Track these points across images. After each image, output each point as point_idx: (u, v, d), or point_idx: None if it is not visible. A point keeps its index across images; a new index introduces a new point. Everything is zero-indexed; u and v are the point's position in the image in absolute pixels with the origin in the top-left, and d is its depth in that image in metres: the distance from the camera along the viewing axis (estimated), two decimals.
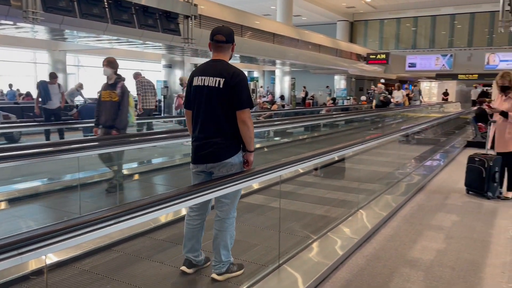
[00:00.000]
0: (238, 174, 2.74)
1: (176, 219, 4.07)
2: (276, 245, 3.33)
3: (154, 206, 2.02)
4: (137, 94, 9.28)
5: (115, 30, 8.64)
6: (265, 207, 4.81)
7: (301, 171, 6.37)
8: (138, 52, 17.15)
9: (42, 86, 8.97)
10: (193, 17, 9.68)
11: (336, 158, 6.75)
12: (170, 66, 15.87)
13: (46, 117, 9.03)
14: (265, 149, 9.61)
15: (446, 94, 28.98)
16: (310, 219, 4.45)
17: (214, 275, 2.91)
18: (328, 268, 3.10)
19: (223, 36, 2.88)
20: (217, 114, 2.79)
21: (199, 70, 2.90)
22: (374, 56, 26.07)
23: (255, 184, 5.10)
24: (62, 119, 9.54)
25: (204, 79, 2.82)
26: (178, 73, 15.60)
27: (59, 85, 9.34)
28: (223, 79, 2.76)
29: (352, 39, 29.82)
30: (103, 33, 8.55)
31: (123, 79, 5.29)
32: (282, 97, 21.00)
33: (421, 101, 17.19)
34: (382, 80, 27.61)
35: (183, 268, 3.00)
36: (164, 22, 9.27)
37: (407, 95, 16.70)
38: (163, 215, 3.58)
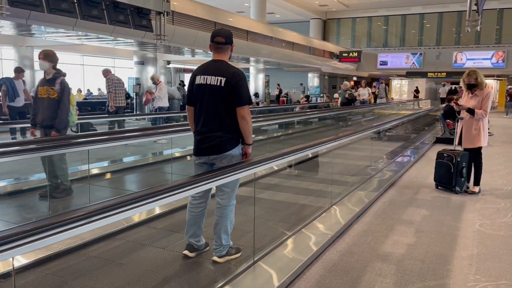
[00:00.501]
0: (238, 164, 2.93)
1: (171, 210, 4.27)
2: (250, 243, 3.34)
3: (162, 194, 2.18)
4: (109, 92, 9.12)
5: (84, 26, 8.43)
6: (238, 204, 4.80)
7: (276, 168, 6.40)
8: (109, 49, 16.80)
9: (9, 83, 8.65)
10: (165, 13, 9.55)
11: (310, 155, 6.82)
12: (142, 63, 15.63)
13: (12, 116, 8.70)
14: None
15: (417, 91, 29.72)
16: (284, 216, 4.47)
17: (215, 258, 3.16)
18: (303, 264, 3.13)
19: (222, 38, 3.11)
20: (218, 110, 3.03)
21: (201, 70, 3.14)
22: (346, 54, 26.42)
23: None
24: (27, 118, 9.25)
25: (207, 78, 3.05)
26: (150, 70, 15.39)
27: (23, 81, 9.04)
28: (225, 78, 3.00)
29: (325, 37, 30.12)
30: (72, 28, 8.33)
31: (64, 75, 4.88)
32: (256, 95, 21.04)
33: (387, 99, 16.85)
34: (355, 78, 28.06)
35: (186, 252, 3.24)
36: (136, 18, 9.11)
37: (373, 92, 16.60)
38: (163, 204, 3.45)
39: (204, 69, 3.12)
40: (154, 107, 10.34)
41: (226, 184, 2.94)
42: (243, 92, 3.03)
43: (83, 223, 1.77)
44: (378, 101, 16.22)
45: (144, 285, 2.87)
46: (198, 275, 3.03)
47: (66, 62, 21.24)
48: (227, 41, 3.12)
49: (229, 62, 3.14)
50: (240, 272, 2.91)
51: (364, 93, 15.03)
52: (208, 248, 3.35)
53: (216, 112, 3.04)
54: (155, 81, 10.19)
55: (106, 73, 9.24)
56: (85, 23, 8.32)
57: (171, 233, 3.83)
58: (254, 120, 8.88)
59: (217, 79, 3.01)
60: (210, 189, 3.09)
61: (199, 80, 3.10)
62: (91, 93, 21.00)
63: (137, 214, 1.87)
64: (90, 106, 16.17)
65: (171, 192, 2.24)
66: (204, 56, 17.75)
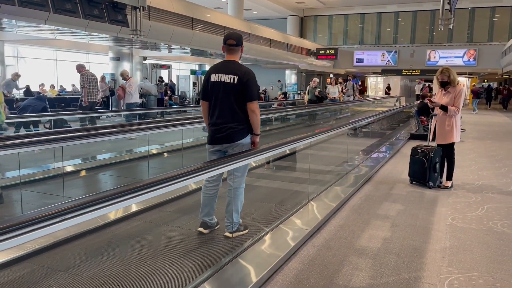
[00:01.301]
0: (248, 151, 3.34)
1: (180, 195, 4.75)
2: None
3: (182, 177, 2.46)
4: (83, 87, 8.96)
5: (57, 20, 8.22)
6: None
7: (254, 164, 6.41)
8: (84, 44, 16.43)
9: None
10: (141, 8, 9.41)
11: (288, 151, 6.86)
12: (118, 58, 15.37)
13: None
14: None
15: (389, 88, 30.30)
16: (262, 212, 4.49)
17: (227, 233, 3.60)
18: (281, 259, 3.15)
19: (234, 40, 3.54)
20: (231, 104, 3.45)
21: (216, 69, 3.55)
22: (323, 51, 26.62)
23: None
24: None
25: (221, 76, 3.47)
26: (126, 66, 15.15)
27: None
28: (237, 77, 3.42)
29: (302, 34, 30.29)
30: (44, 22, 8.10)
31: None
32: None
33: (354, 97, 15.77)
34: (331, 75, 28.31)
35: (200, 229, 3.67)
36: (111, 13, 8.94)
37: (341, 90, 15.74)
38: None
39: (218, 68, 3.54)
40: (123, 103, 10.18)
41: (238, 168, 3.37)
42: (253, 89, 3.47)
43: (120, 201, 2.02)
44: (345, 99, 15.40)
45: (168, 256, 3.29)
46: (212, 248, 3.48)
47: (38, 57, 20.67)
48: (237, 43, 3.56)
49: (239, 62, 3.58)
50: (219, 268, 2.91)
51: (334, 91, 14.25)
52: (218, 226, 3.79)
53: (229, 106, 3.45)
54: (124, 77, 10.02)
55: (81, 68, 9.07)
56: (58, 17, 8.11)
57: (182, 215, 4.31)
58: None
59: (231, 77, 3.43)
60: (222, 173, 3.42)
61: (214, 78, 3.50)
62: (65, 89, 20.50)
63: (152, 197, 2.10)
64: (64, 102, 15.80)
65: (190, 175, 2.54)
66: (180, 52, 17.59)
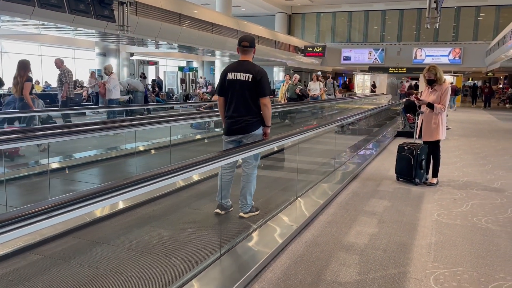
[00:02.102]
0: (260, 141, 3.75)
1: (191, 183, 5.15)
2: (217, 236, 3.34)
3: (205, 163, 2.74)
4: (65, 82, 8.83)
5: (42, 15, 8.09)
6: (206, 198, 4.80)
7: (241, 161, 6.39)
8: (69, 39, 16.22)
9: None
10: (128, 3, 9.32)
11: (276, 149, 6.87)
12: (104, 54, 15.21)
13: None
14: (206, 141, 9.54)
15: (374, 86, 30.58)
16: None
17: (241, 214, 4.02)
18: (269, 256, 3.16)
19: (248, 42, 3.94)
20: (246, 99, 3.85)
21: (232, 68, 3.95)
22: (311, 49, 26.71)
23: (195, 175, 5.07)
24: None
25: (237, 74, 3.87)
26: (113, 62, 15.01)
27: None
28: (251, 75, 3.82)
29: (290, 32, 30.33)
30: (29, 17, 7.97)
31: None
32: None
33: (335, 95, 15.33)
34: (319, 73, 28.40)
35: (217, 210, 4.08)
36: (98, 8, 8.83)
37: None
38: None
39: (234, 68, 3.93)
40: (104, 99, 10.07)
41: (251, 156, 3.79)
42: (265, 86, 3.87)
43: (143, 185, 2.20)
44: (325, 97, 14.92)
45: (190, 232, 3.74)
46: (229, 226, 3.95)
47: (23, 52, 20.32)
48: (251, 45, 3.95)
49: (252, 61, 3.96)
50: (207, 265, 2.90)
51: (315, 87, 13.69)
52: (232, 208, 4.17)
53: (244, 101, 3.85)
54: (106, 72, 9.89)
55: (60, 63, 8.93)
56: (43, 12, 7.99)
57: (198, 199, 4.80)
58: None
59: (246, 75, 3.83)
60: (237, 160, 3.79)
61: (230, 76, 3.89)
62: (50, 85, 20.20)
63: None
64: (49, 98, 15.57)
65: (213, 161, 2.86)
66: (168, 48, 17.47)
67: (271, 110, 3.94)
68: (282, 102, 12.48)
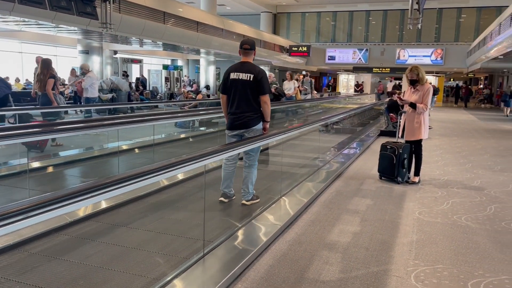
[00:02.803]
0: (260, 135, 4.15)
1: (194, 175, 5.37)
2: (201, 235, 3.32)
3: (212, 155, 3.05)
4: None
5: (23, 11, 7.94)
6: (188, 198, 4.78)
7: (243, 154, 6.38)
8: (51, 36, 15.95)
9: None
10: (111, 0, 9.20)
11: (261, 148, 6.87)
12: (87, 52, 14.99)
13: None
14: (190, 139, 9.50)
15: (357, 86, 30.91)
16: (235, 207, 4.49)
17: (243, 201, 4.40)
18: (252, 254, 3.16)
19: (248, 45, 4.31)
20: (248, 97, 4.20)
21: (234, 68, 4.28)
22: (296, 48, 26.81)
23: (179, 174, 5.04)
24: None
25: (239, 74, 4.22)
26: (96, 60, 14.80)
27: None
28: (253, 75, 4.18)
29: (275, 31, 30.37)
30: (9, 13, 7.81)
31: None
32: (207, 87, 20.85)
33: (312, 95, 14.47)
34: (304, 72, 28.51)
35: (221, 198, 4.45)
36: (80, 5, 8.70)
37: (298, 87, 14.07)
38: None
39: (237, 68, 4.27)
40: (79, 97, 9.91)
41: (252, 149, 4.16)
42: (265, 85, 4.22)
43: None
44: (302, 97, 14.08)
45: (196, 219, 3.96)
46: (232, 212, 4.35)
47: (2, 49, 19.88)
48: (251, 47, 4.31)
49: (253, 62, 4.32)
50: (190, 265, 2.89)
51: (289, 87, 12.76)
52: (234, 197, 4.52)
53: (246, 98, 4.20)
54: (84, 71, 9.74)
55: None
56: (23, 8, 7.84)
57: (201, 190, 4.91)
58: (205, 112, 8.84)
59: (247, 75, 4.18)
60: (239, 153, 4.17)
61: (233, 76, 4.24)
62: (31, 83, 19.83)
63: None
64: (30, 96, 15.28)
65: (219, 153, 3.18)
66: (152, 47, 17.32)
67: (270, 106, 4.31)
68: None
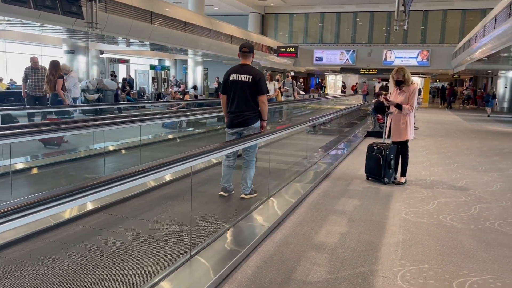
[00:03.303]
0: (258, 133, 4.41)
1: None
2: (188, 237, 3.30)
3: (214, 151, 3.28)
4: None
5: (7, 10, 7.81)
6: (177, 200, 4.75)
7: (215, 161, 6.37)
8: (36, 35, 15.72)
9: None
10: (97, 0, 9.10)
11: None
12: (72, 51, 14.82)
13: None
14: (178, 140, 9.44)
15: (344, 87, 31.14)
16: (223, 208, 4.48)
17: (242, 195, 4.66)
18: (240, 256, 3.15)
19: (247, 49, 4.59)
20: (247, 97, 4.47)
21: (234, 70, 4.56)
22: (284, 49, 26.87)
23: (167, 175, 5.01)
24: None
25: (238, 76, 4.49)
26: (82, 60, 14.63)
27: None
28: (251, 76, 4.45)
29: (263, 32, 30.40)
30: None
31: None
32: (195, 88, 20.77)
33: (294, 96, 13.63)
34: (292, 73, 28.61)
35: (221, 193, 4.72)
36: (65, 4, 8.58)
37: (279, 88, 13.06)
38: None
39: (236, 70, 4.54)
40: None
41: (251, 146, 4.43)
42: (263, 86, 4.49)
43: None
44: (283, 98, 13.37)
45: (199, 211, 4.18)
46: (232, 206, 4.61)
47: None
48: (250, 50, 4.59)
49: (251, 65, 4.61)
50: (177, 267, 2.87)
51: (269, 88, 11.67)
52: (233, 191, 4.78)
53: (245, 98, 4.47)
54: (65, 71, 9.63)
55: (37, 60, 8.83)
56: (7, 7, 7.71)
57: (202, 185, 5.33)
58: (193, 113, 8.79)
59: (246, 77, 4.45)
60: (237, 150, 4.44)
61: (233, 77, 4.51)
62: (15, 83, 19.52)
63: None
64: (14, 96, 15.05)
65: (221, 149, 3.44)
66: (139, 47, 17.20)
67: (267, 106, 4.62)
68: None
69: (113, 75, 18.49)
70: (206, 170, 6.10)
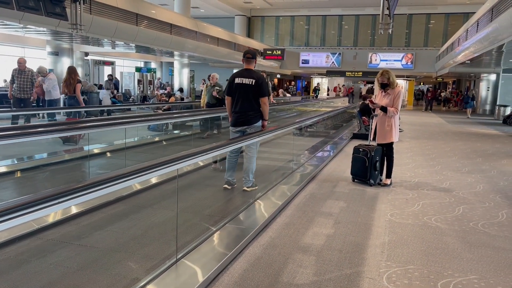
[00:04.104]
0: (260, 131, 4.82)
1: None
2: (174, 240, 3.27)
3: (223, 147, 3.68)
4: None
5: None
6: (162, 202, 4.71)
7: (201, 164, 6.35)
8: (19, 37, 15.48)
9: None
10: (82, 1, 9.00)
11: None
12: (56, 53, 14.60)
13: None
14: (164, 143, 9.38)
15: (329, 89, 31.40)
16: (210, 211, 4.46)
17: (245, 188, 5.03)
18: (226, 259, 3.14)
19: (251, 55, 5.07)
20: (250, 99, 4.92)
21: (238, 74, 5.01)
22: (270, 52, 26.93)
23: (153, 178, 4.97)
24: None
25: (243, 79, 4.94)
26: (66, 61, 14.43)
27: None
28: (254, 80, 4.91)
29: (249, 34, 30.45)
30: None
31: None
32: (181, 90, 20.67)
33: (270, 100, 11.54)
34: (278, 76, 28.69)
35: (225, 186, 5.17)
36: (48, 5, 8.44)
37: None
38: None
39: (241, 74, 4.99)
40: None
41: (253, 143, 4.85)
42: (265, 89, 4.96)
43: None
44: None
45: (206, 202, 4.85)
46: (235, 197, 5.08)
47: None
48: (253, 56, 5.09)
49: (254, 69, 5.08)
50: (162, 271, 2.84)
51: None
52: (236, 184, 5.20)
53: (248, 100, 4.92)
54: (43, 74, 9.51)
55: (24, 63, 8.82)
56: None
57: (206, 180, 5.94)
58: (179, 116, 8.75)
59: (250, 80, 4.91)
60: (240, 147, 5.01)
61: (237, 80, 4.95)
62: None
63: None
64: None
65: (225, 147, 3.75)
66: (125, 49, 17.07)
67: (268, 107, 5.06)
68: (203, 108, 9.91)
69: (110, 79, 18.34)
70: (193, 173, 6.08)
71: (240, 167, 5.25)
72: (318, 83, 31.40)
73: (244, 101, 4.92)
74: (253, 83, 4.89)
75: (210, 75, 9.99)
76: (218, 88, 9.78)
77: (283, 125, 5.74)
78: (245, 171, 5.03)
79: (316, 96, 28.41)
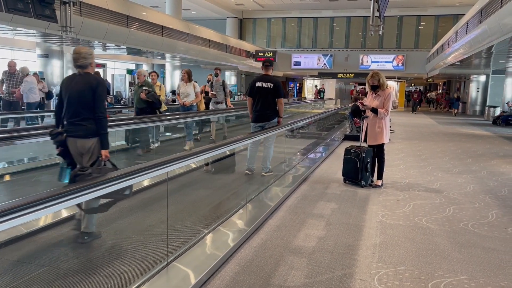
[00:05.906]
0: (276, 126, 5.89)
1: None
2: (164, 244, 3.26)
3: (247, 139, 4.77)
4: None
5: None
6: (153, 205, 4.69)
7: (193, 166, 6.33)
8: (7, 39, 15.32)
9: None
10: (71, 3, 8.93)
11: (228, 153, 6.84)
12: (46, 55, 14.49)
13: None
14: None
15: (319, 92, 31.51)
16: (202, 214, 4.44)
17: (263, 173, 5.97)
18: (217, 262, 3.12)
19: (269, 63, 6.11)
20: (268, 100, 5.90)
21: (259, 79, 5.98)
22: (262, 54, 26.96)
23: (145, 180, 4.94)
24: None
25: (263, 83, 5.91)
26: (56, 64, 14.32)
27: None
28: (272, 84, 5.87)
29: (241, 36, 30.44)
30: None
31: None
32: (173, 92, 20.58)
33: (227, 104, 9.66)
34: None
35: (247, 171, 5.96)
36: (37, 7, 8.38)
37: (205, 91, 9.86)
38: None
39: (261, 79, 5.97)
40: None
41: (271, 135, 5.85)
42: (281, 91, 5.94)
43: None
44: (211, 106, 9.58)
45: (231, 185, 5.92)
46: (255, 181, 5.86)
47: None
48: (270, 64, 6.13)
49: (271, 75, 6.07)
50: (152, 275, 2.82)
51: (186, 91, 8.58)
52: (254, 171, 5.98)
53: (267, 100, 5.90)
54: (22, 75, 9.42)
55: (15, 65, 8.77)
56: None
57: (229, 166, 6.70)
58: (172, 118, 8.71)
59: (269, 84, 5.88)
60: (260, 138, 5.80)
61: (258, 84, 5.92)
62: None
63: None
64: None
65: (249, 138, 4.90)
66: (116, 51, 16.97)
67: (283, 106, 5.99)
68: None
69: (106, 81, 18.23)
70: (184, 175, 6.06)
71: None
72: (322, 85, 31.36)
73: (264, 101, 5.88)
74: (271, 87, 5.85)
75: (137, 71, 7.85)
76: (146, 88, 7.53)
77: (284, 125, 6.24)
78: (263, 159, 5.97)
79: (322, 97, 28.41)
